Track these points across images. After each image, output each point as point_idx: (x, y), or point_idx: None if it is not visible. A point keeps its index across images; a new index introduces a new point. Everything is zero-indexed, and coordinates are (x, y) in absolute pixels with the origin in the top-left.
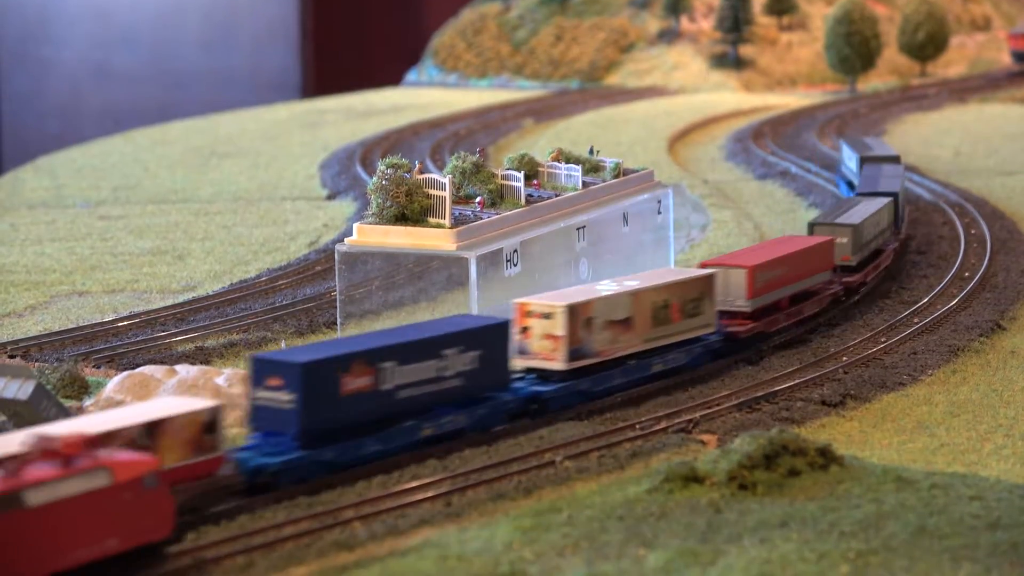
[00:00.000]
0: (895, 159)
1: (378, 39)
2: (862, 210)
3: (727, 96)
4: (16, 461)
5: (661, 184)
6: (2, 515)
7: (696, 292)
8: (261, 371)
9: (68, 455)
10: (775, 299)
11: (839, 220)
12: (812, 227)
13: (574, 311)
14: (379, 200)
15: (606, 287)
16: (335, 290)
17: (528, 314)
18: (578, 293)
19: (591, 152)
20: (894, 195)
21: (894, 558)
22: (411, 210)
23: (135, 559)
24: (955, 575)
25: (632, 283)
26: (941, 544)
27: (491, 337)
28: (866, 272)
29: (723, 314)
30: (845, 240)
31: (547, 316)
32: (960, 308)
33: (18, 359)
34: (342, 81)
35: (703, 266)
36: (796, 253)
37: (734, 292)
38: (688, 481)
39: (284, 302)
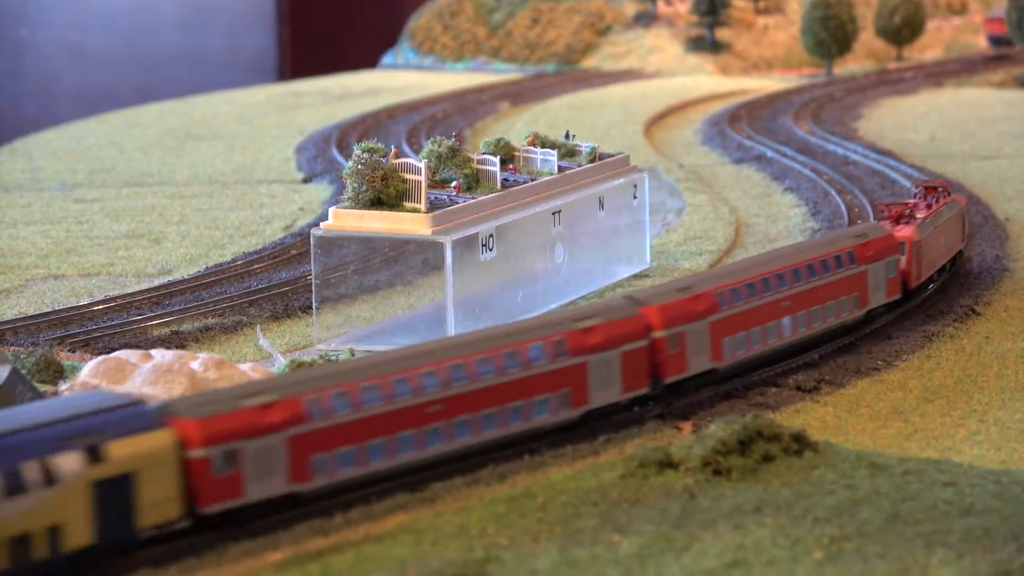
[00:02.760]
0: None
1: (355, 21)
2: None
3: (704, 79)
4: (906, 215)
5: (637, 168)
6: (926, 239)
7: None
8: None
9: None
10: None
11: None
12: None
13: None
14: (355, 184)
15: None
16: (311, 274)
17: None
18: None
19: (567, 136)
20: None
21: (868, 544)
22: (387, 194)
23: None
24: (928, 561)
25: None
26: (914, 530)
27: None
28: None
29: None
30: None
31: None
32: (935, 293)
33: None
34: (319, 63)
35: None
36: None
37: None
38: (662, 467)
39: (259, 286)
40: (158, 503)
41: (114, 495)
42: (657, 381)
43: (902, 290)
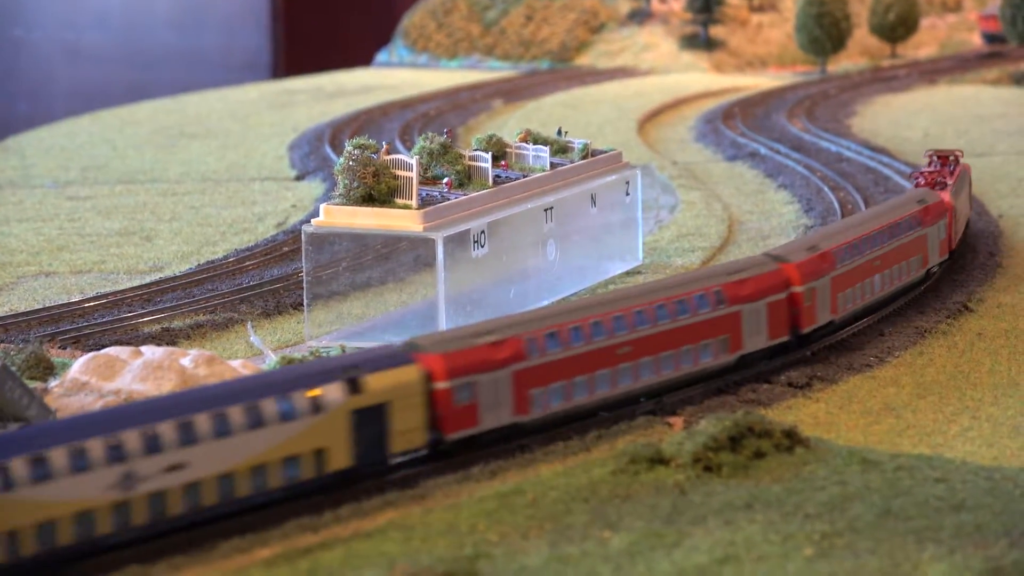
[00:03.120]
0: None
1: (349, 19)
2: None
3: (697, 77)
4: (939, 182)
5: (629, 165)
6: (958, 203)
7: None
8: None
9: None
10: None
11: None
12: None
13: None
14: (346, 181)
15: None
16: (302, 271)
17: None
18: None
19: (559, 133)
20: None
21: (859, 540)
22: (378, 191)
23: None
24: (920, 557)
25: None
26: (906, 526)
27: None
28: None
29: None
30: None
31: None
32: (928, 290)
33: None
34: (313, 61)
35: None
36: None
37: None
38: (653, 463)
39: (251, 283)
40: (407, 431)
41: (370, 423)
42: (795, 331)
43: (948, 251)
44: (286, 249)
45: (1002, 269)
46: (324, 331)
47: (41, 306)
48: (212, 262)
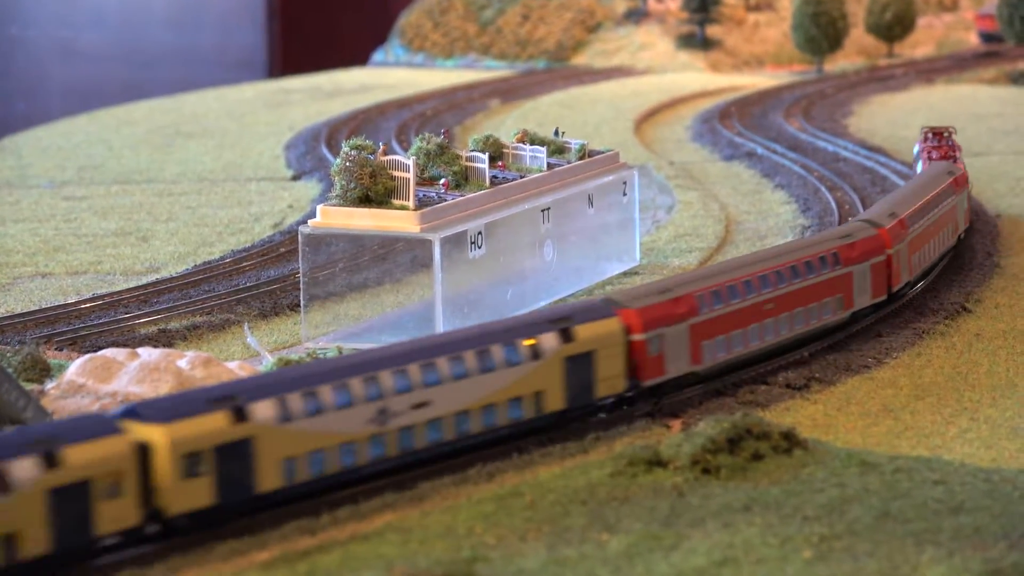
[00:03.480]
0: None
1: (345, 18)
2: None
3: (694, 76)
4: (950, 156)
5: (627, 165)
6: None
7: None
8: None
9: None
10: None
11: None
12: None
13: None
14: (343, 182)
15: None
16: (299, 272)
17: None
18: None
19: (556, 133)
20: None
21: (857, 542)
22: (375, 192)
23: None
24: (918, 559)
25: None
26: (904, 528)
27: None
28: None
29: None
30: None
31: None
32: (925, 291)
33: None
34: (309, 61)
35: None
36: None
37: None
38: (651, 465)
39: (248, 284)
40: (610, 377)
41: (580, 369)
42: (889, 290)
43: (968, 221)
44: (283, 250)
45: (1000, 269)
46: (321, 332)
47: (37, 307)
48: (209, 263)
